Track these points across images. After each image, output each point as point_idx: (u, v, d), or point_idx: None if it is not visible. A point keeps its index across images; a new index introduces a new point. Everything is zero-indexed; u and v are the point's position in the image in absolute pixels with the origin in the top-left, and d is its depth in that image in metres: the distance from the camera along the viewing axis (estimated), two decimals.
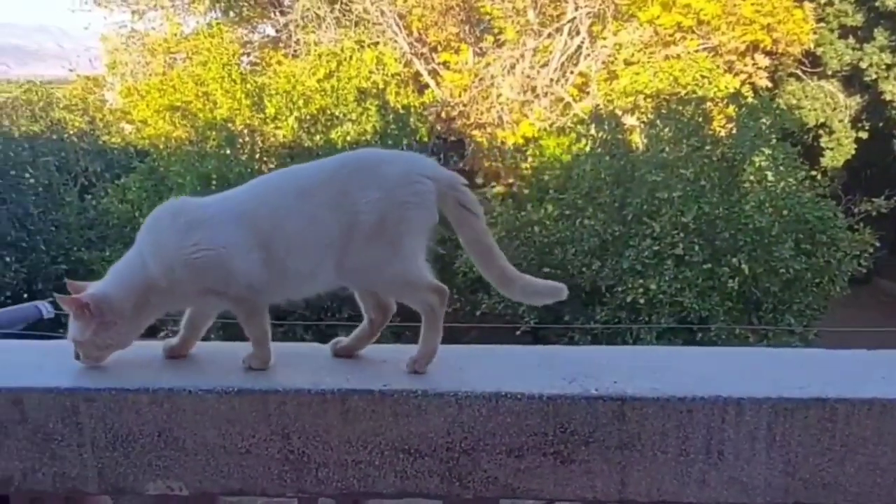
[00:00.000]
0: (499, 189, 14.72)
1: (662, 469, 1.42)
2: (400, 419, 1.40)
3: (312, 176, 1.53)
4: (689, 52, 13.60)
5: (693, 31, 14.00)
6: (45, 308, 2.37)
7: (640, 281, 9.11)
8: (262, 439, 1.41)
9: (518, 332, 9.46)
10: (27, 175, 10.09)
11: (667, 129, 10.25)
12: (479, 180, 15.60)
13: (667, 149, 10.04)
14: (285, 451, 1.42)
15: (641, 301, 9.09)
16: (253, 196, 1.54)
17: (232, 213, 1.50)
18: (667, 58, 13.37)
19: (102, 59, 19.07)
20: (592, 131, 10.90)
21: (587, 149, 10.94)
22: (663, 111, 10.94)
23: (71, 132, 12.73)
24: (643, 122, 11.51)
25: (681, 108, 10.56)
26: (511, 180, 14.56)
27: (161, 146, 12.76)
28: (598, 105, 12.50)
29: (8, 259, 9.35)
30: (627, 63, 13.53)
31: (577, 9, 13.76)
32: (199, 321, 1.58)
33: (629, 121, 12.12)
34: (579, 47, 14.05)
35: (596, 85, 13.66)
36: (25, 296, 9.50)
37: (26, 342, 1.57)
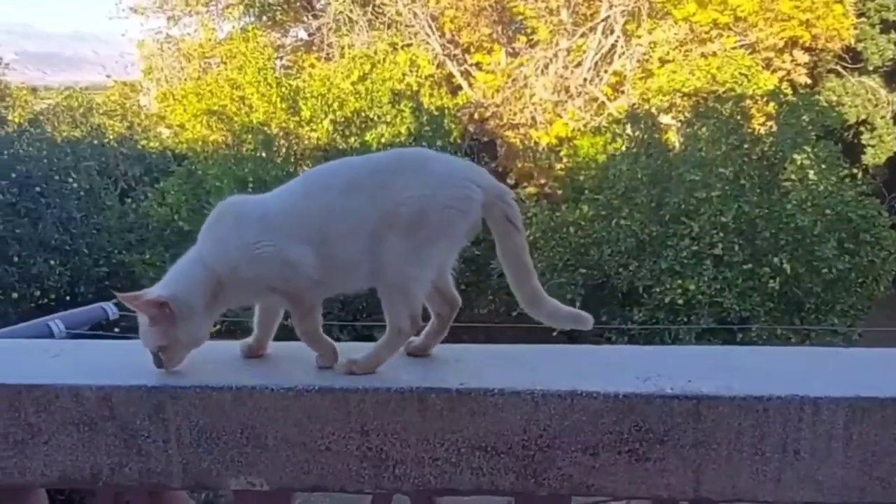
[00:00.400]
0: (531, 190, 14.69)
1: (737, 467, 1.42)
2: (477, 417, 1.42)
3: (360, 169, 1.54)
4: (725, 50, 13.44)
5: (730, 28, 13.84)
6: (110, 309, 2.44)
7: (679, 281, 9.04)
8: (342, 436, 1.44)
9: (555, 333, 9.43)
10: (70, 180, 10.31)
11: (705, 128, 10.16)
12: (511, 181, 15.60)
13: (705, 148, 9.94)
14: (364, 448, 1.44)
15: (680, 302, 9.02)
16: (304, 193, 1.55)
17: (287, 210, 1.52)
18: (703, 56, 13.23)
19: (138, 65, 19.49)
20: (628, 131, 10.84)
21: (623, 148, 10.88)
22: (701, 109, 10.83)
23: (111, 137, 12.98)
24: (680, 120, 11.41)
25: (719, 106, 10.45)
26: (544, 181, 14.53)
27: (198, 150, 12.98)
28: (633, 104, 12.42)
29: (52, 262, 9.56)
30: (663, 61, 13.42)
31: (610, 7, 13.69)
32: (270, 319, 1.61)
33: (665, 120, 12.03)
34: (613, 46, 13.97)
35: (631, 84, 13.56)
36: (68, 298, 9.73)
37: (113, 342, 1.62)
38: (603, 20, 13.86)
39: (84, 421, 1.45)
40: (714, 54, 13.40)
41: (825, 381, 1.45)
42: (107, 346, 1.64)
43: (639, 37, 13.89)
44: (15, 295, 9.13)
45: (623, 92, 13.94)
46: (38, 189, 9.75)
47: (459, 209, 1.48)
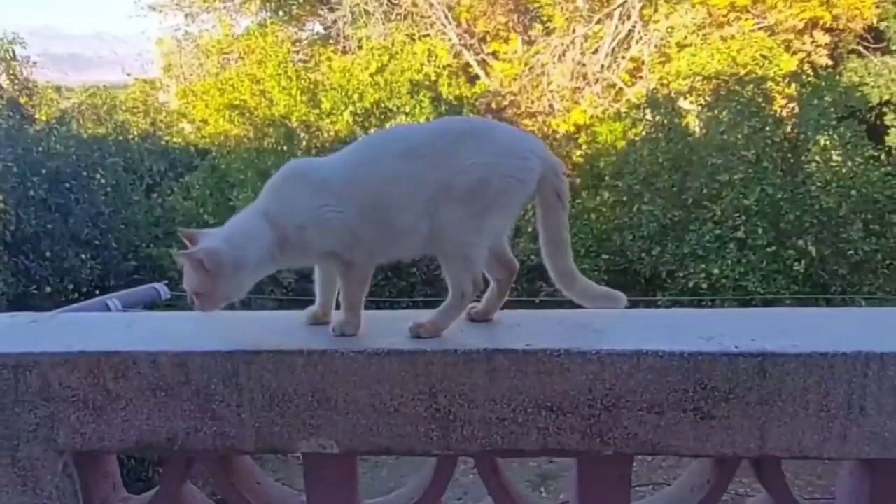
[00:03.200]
0: None
1: (803, 424, 1.43)
2: (543, 377, 1.44)
3: (419, 136, 1.55)
4: (744, 33, 13.31)
5: (748, 11, 13.69)
6: (163, 290, 2.50)
7: (703, 265, 9.00)
8: (410, 398, 1.47)
9: None
10: (98, 176, 10.41)
11: (726, 111, 10.08)
12: None
13: (726, 131, 9.87)
14: (432, 410, 1.47)
15: (704, 286, 8.98)
16: (363, 159, 1.56)
17: (349, 175, 1.53)
18: (722, 39, 13.11)
19: (157, 63, 19.63)
20: (648, 116, 10.78)
21: (643, 134, 10.83)
22: (722, 93, 10.75)
23: (134, 133, 13.11)
24: (700, 104, 11.33)
25: (740, 88, 10.36)
26: None
27: (221, 144, 13.07)
28: (652, 89, 12.34)
29: (84, 256, 9.67)
30: (681, 46, 13.31)
31: None
32: (331, 284, 1.63)
33: (684, 104, 11.95)
34: (630, 32, 13.89)
35: (649, 69, 13.47)
36: (97, 291, 9.84)
37: (183, 312, 1.66)
38: (620, 6, 13.78)
39: (160, 386, 1.49)
40: (732, 37, 13.28)
41: (890, 339, 1.46)
42: (178, 315, 1.68)
43: (656, 21, 13.79)
44: (48, 289, 9.25)
45: (641, 77, 13.86)
46: (67, 185, 9.87)
47: (519, 179, 1.50)
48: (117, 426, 1.51)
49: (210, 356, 1.48)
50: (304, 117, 12.13)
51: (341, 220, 1.50)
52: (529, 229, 10.72)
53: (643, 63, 13.92)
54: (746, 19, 13.67)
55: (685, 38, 13.47)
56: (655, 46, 13.84)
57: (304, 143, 12.08)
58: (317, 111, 12.11)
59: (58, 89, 13.74)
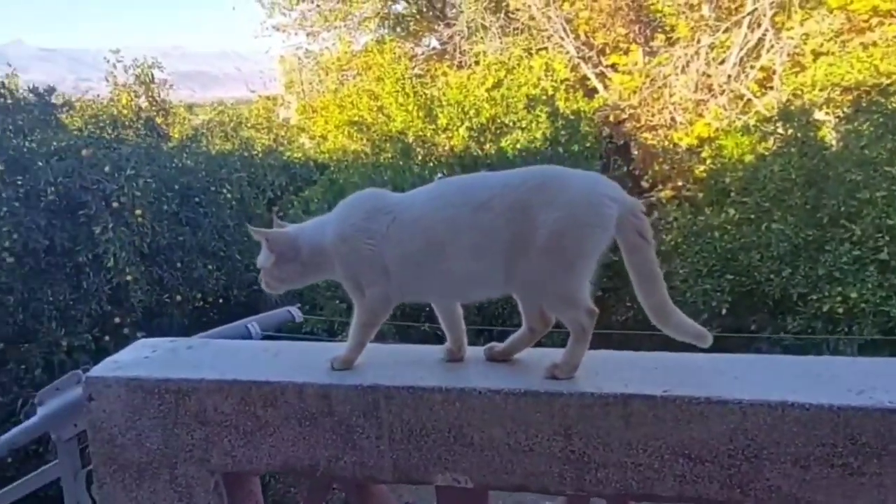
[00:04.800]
0: (667, 193, 14.22)
1: None
2: (681, 424, 1.42)
3: (494, 188, 1.55)
4: (888, 39, 12.40)
5: (892, 15, 12.76)
6: (296, 313, 2.64)
7: (839, 289, 8.44)
8: (545, 439, 1.48)
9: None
10: (225, 190, 10.98)
11: (867, 124, 9.43)
12: (647, 184, 15.16)
13: (868, 145, 9.23)
14: (566, 451, 1.48)
15: (840, 310, 8.41)
16: (434, 203, 1.60)
17: (412, 218, 1.59)
18: (863, 46, 12.28)
19: (279, 80, 20.64)
20: (779, 129, 10.25)
21: (773, 147, 10.31)
22: (863, 104, 10.07)
23: (258, 149, 13.73)
24: (838, 116, 10.66)
25: (883, 99, 9.67)
26: (680, 183, 14.02)
27: (339, 159, 13.52)
28: (784, 100, 11.72)
29: (210, 267, 10.24)
30: (816, 54, 12.58)
31: (757, 0, 13.01)
32: (453, 320, 1.69)
33: (819, 116, 11.28)
34: (760, 40, 13.25)
35: (781, 79, 12.80)
36: (221, 300, 10.42)
37: (323, 343, 1.75)
38: (749, 13, 13.18)
39: (305, 416, 1.58)
40: (874, 44, 12.40)
41: None
42: (322, 346, 1.78)
43: (789, 29, 13.09)
44: (179, 297, 9.88)
45: (772, 88, 13.19)
46: (196, 199, 10.47)
47: (597, 225, 1.51)
48: (265, 451, 1.62)
49: (353, 389, 1.55)
50: (420, 133, 12.36)
51: (372, 253, 1.59)
52: None
53: (774, 73, 13.24)
54: (890, 24, 12.74)
55: (821, 45, 12.71)
56: (788, 55, 13.14)
57: (420, 157, 12.30)
58: (433, 127, 12.30)
59: (189, 108, 14.63)
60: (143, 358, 1.77)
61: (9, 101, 9.59)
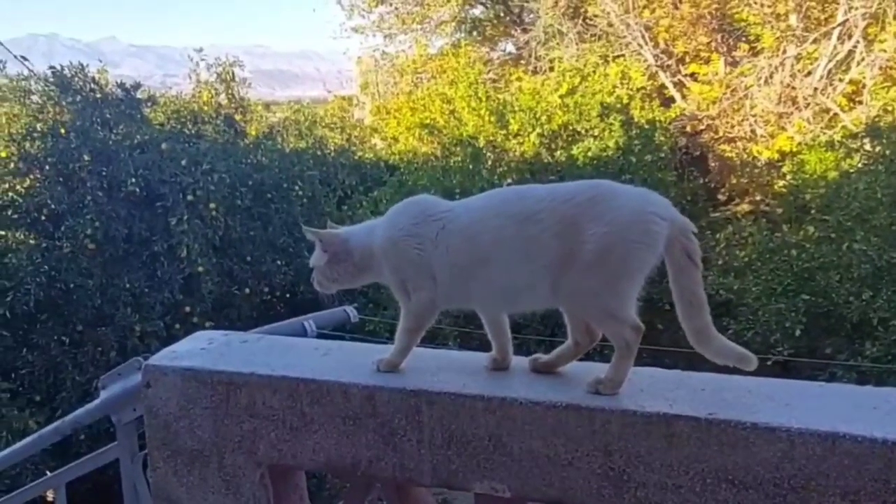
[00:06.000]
0: (745, 207, 13.79)
1: None
2: (725, 449, 1.38)
3: (542, 201, 1.54)
4: None
5: None
6: (352, 313, 2.68)
7: None
8: (585, 454, 1.46)
9: (769, 363, 8.77)
10: (296, 187, 11.23)
11: None
12: (723, 197, 14.72)
13: None
14: (606, 468, 1.46)
15: None
16: (483, 213, 1.61)
17: (460, 226, 1.60)
18: None
19: (355, 81, 20.99)
20: (867, 145, 9.80)
21: (859, 165, 9.85)
22: None
23: (331, 148, 13.97)
24: None
25: None
26: (759, 198, 13.56)
27: (409, 161, 13.63)
28: (874, 116, 11.18)
29: (279, 262, 10.50)
30: None
31: (849, 10, 12.45)
32: (499, 330, 1.69)
33: None
34: (851, 52, 12.68)
35: (871, 93, 12.22)
36: (288, 295, 10.65)
37: (375, 345, 1.78)
38: (840, 24, 12.63)
39: (349, 415, 1.61)
40: None
41: None
42: (367, 348, 1.81)
43: (882, 41, 12.47)
44: (247, 290, 10.17)
45: (860, 102, 12.60)
46: (269, 195, 10.76)
47: (645, 243, 1.48)
48: (309, 447, 1.65)
49: (396, 392, 1.57)
50: (491, 137, 12.33)
51: (419, 259, 1.60)
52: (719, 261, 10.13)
53: (864, 87, 12.65)
54: None
55: None
56: (880, 69, 12.52)
57: (490, 163, 12.28)
58: (504, 132, 12.26)
59: (267, 106, 14.99)
60: (199, 349, 1.83)
61: (98, 96, 10.06)
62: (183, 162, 9.59)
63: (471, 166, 12.17)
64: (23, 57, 11.00)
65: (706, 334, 1.53)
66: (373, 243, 1.69)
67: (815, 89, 12.85)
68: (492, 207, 1.61)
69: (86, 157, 9.23)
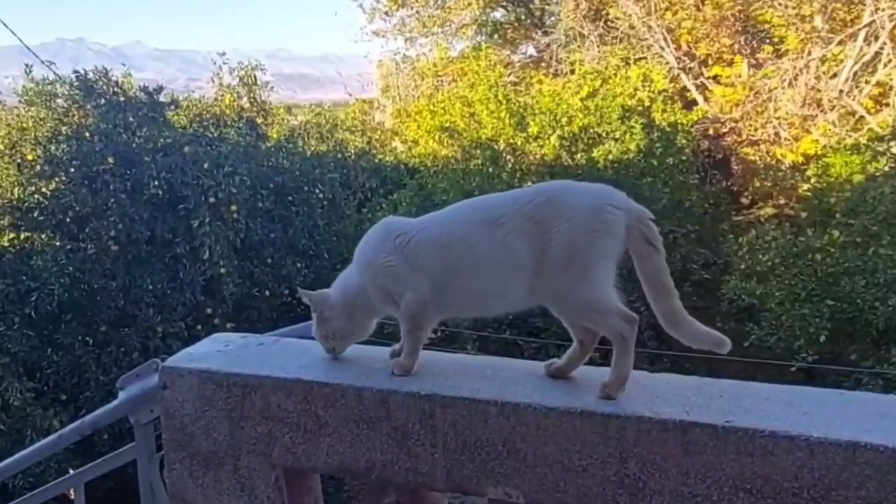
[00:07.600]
0: (769, 210, 13.61)
1: None
2: (743, 457, 1.36)
3: (504, 206, 1.60)
4: None
5: None
6: None
7: None
8: (599, 460, 1.45)
9: (793, 369, 8.64)
10: (317, 190, 11.28)
11: None
12: (746, 200, 14.55)
13: None
14: (621, 475, 1.44)
15: None
16: (448, 224, 1.66)
17: (428, 236, 1.65)
18: None
19: (376, 84, 21.03)
20: (893, 148, 9.63)
21: (886, 168, 9.69)
22: None
23: (352, 151, 14.01)
24: None
25: None
26: (783, 201, 13.38)
27: (429, 164, 13.62)
28: None
29: (299, 265, 10.55)
30: None
31: (876, 11, 12.26)
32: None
33: None
34: (877, 54, 12.48)
35: None
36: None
37: (386, 348, 1.78)
38: (866, 25, 12.43)
39: (363, 419, 1.61)
40: None
41: None
42: (382, 351, 1.80)
43: None
44: (267, 292, 10.23)
45: (887, 105, 12.40)
46: (290, 198, 10.81)
47: (605, 232, 1.53)
48: (323, 449, 1.65)
49: (410, 396, 1.57)
50: (510, 140, 12.28)
51: (396, 271, 1.64)
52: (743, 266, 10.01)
53: (891, 89, 12.44)
54: None
55: None
56: None
57: (510, 165, 12.23)
58: (524, 135, 12.20)
59: (288, 109, 15.06)
60: (216, 351, 1.84)
61: (121, 99, 10.18)
62: (205, 165, 9.66)
63: (490, 169, 12.13)
64: (49, 61, 11.17)
65: (677, 318, 1.56)
66: (352, 283, 1.74)
67: (841, 91, 12.66)
68: (459, 217, 1.66)
69: (110, 160, 9.34)
